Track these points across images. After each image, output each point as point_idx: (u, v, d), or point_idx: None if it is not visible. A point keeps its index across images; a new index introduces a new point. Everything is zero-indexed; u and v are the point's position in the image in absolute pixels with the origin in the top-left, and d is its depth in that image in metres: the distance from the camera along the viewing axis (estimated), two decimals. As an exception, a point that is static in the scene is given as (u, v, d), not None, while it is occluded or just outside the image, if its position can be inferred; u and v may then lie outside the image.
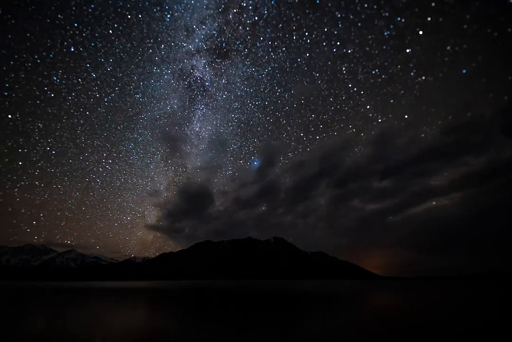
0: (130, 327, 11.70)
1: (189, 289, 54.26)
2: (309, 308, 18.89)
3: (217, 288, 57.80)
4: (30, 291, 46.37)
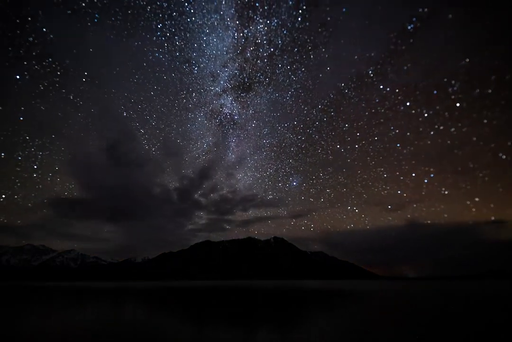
0: (130, 327, 11.60)
1: (189, 289, 54.01)
2: (309, 308, 18.72)
3: (217, 288, 57.53)
4: (29, 291, 46.10)
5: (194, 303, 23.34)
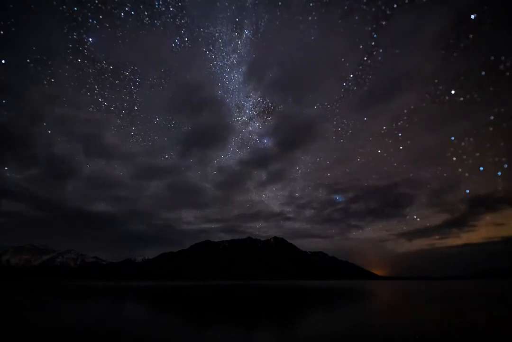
0: (130, 327, 11.50)
1: (188, 289, 53.87)
2: (309, 308, 18.54)
3: (216, 288, 57.40)
4: (29, 291, 45.99)
5: (193, 303, 23.13)
